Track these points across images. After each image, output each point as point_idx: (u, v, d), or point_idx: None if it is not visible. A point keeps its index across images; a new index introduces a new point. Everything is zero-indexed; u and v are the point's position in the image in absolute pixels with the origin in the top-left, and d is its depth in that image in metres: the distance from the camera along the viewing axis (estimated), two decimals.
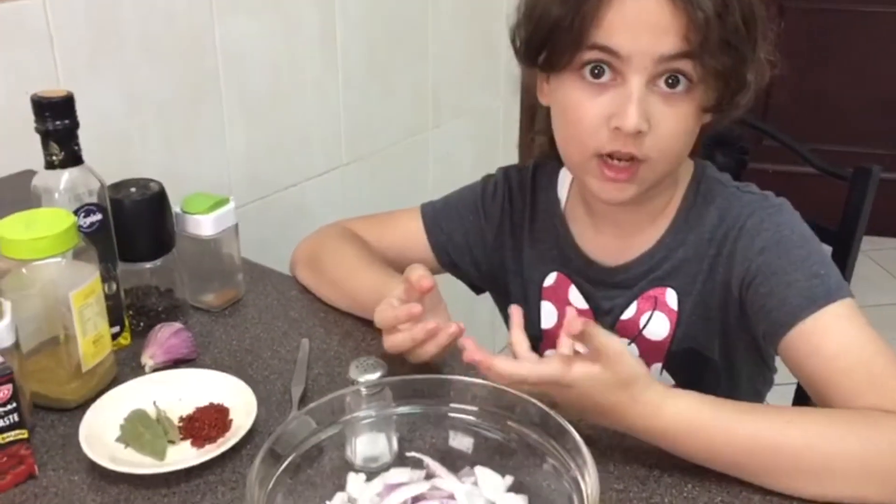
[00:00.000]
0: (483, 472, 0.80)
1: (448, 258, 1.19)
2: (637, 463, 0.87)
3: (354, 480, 0.80)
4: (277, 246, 1.29)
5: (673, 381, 1.08)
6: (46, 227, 0.89)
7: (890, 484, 0.80)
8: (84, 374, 0.94)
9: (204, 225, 1.09)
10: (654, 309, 1.05)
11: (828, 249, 1.00)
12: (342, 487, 0.80)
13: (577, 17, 0.89)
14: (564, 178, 1.13)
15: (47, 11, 1.38)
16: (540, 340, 1.13)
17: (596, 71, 0.91)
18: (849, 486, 0.80)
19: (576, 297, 1.10)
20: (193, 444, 0.90)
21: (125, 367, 1.01)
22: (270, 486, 0.73)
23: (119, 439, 0.90)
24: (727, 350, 1.05)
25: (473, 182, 1.21)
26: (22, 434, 0.84)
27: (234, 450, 0.88)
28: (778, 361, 1.01)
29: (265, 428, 0.92)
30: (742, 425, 0.82)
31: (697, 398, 0.83)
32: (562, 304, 1.11)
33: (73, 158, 0.95)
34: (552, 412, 0.77)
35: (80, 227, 0.95)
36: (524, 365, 0.82)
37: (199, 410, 0.93)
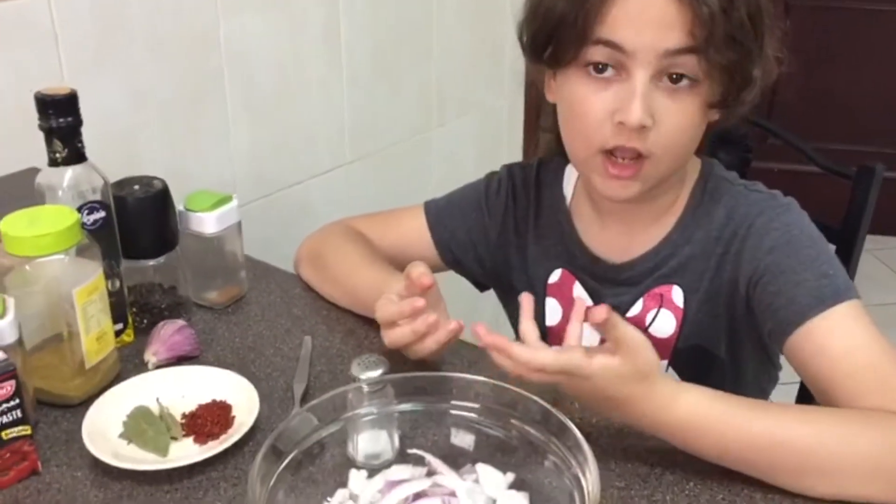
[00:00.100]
0: (484, 470, 0.80)
1: (451, 255, 1.19)
2: (639, 461, 0.87)
3: (356, 477, 0.80)
4: (281, 244, 1.29)
5: (678, 379, 1.07)
6: (50, 224, 0.90)
7: None
8: (87, 370, 0.95)
9: (207, 222, 1.10)
10: (661, 306, 1.05)
11: (831, 248, 1.00)
12: (344, 484, 0.80)
13: (581, 13, 0.89)
14: (570, 175, 1.13)
15: (52, 9, 1.38)
16: (544, 337, 1.13)
17: (600, 66, 0.91)
18: (857, 484, 0.80)
19: (581, 294, 1.10)
20: (196, 440, 0.90)
21: (128, 363, 1.02)
22: (272, 482, 0.74)
23: (122, 436, 0.90)
24: (733, 348, 1.05)
25: (477, 179, 1.21)
26: (25, 430, 0.84)
27: (237, 446, 0.88)
28: (782, 360, 1.01)
29: (267, 425, 0.92)
30: (754, 421, 0.82)
31: (710, 393, 0.83)
32: (567, 300, 1.11)
33: (76, 156, 0.95)
34: (554, 409, 0.77)
35: (83, 224, 0.95)
36: (546, 353, 0.80)
37: (202, 407, 0.93)
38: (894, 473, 0.80)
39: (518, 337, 0.85)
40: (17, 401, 0.83)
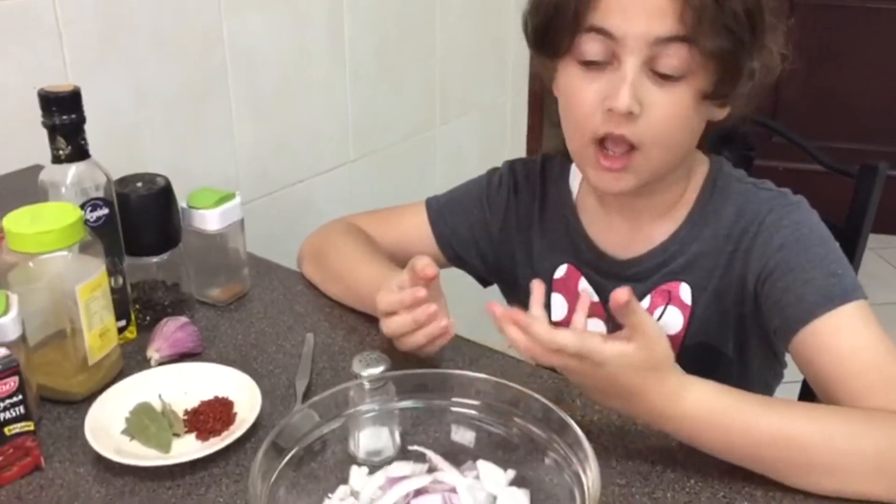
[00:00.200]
0: (485, 466, 0.80)
1: (453, 252, 1.20)
2: (640, 458, 0.87)
3: (357, 474, 0.81)
4: (285, 241, 1.29)
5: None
6: (53, 220, 0.90)
7: None
8: (90, 367, 0.95)
9: (210, 220, 1.10)
10: (668, 303, 1.05)
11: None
12: (345, 480, 0.80)
13: (574, 0, 0.91)
14: (576, 170, 1.13)
15: (56, 7, 1.38)
16: None
17: (593, 57, 0.92)
18: (860, 482, 0.80)
19: (586, 289, 1.10)
20: (198, 437, 0.90)
21: (131, 360, 1.02)
22: (273, 478, 0.74)
23: (124, 432, 0.90)
24: (740, 345, 1.06)
25: (479, 176, 1.22)
26: (28, 426, 0.85)
27: (239, 443, 0.88)
28: (787, 357, 1.01)
29: (269, 421, 0.92)
30: (760, 416, 0.82)
31: (717, 387, 0.83)
32: (572, 296, 1.11)
33: (79, 153, 0.95)
34: (555, 407, 0.77)
35: (86, 221, 0.95)
36: (565, 333, 0.79)
37: (204, 404, 0.93)
38: None
39: None
40: (20, 397, 0.83)
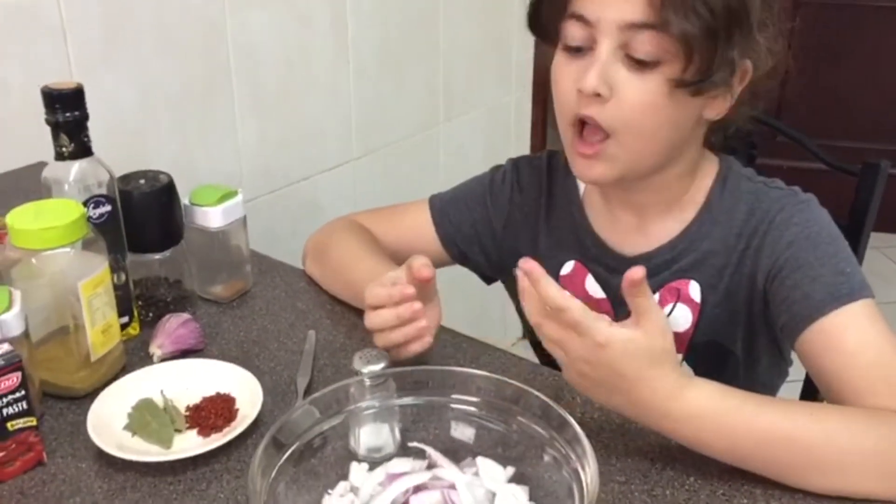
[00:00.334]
0: (484, 463, 0.80)
1: (457, 249, 1.20)
2: (639, 456, 0.87)
3: (357, 470, 0.81)
4: (288, 239, 1.29)
5: (693, 372, 1.07)
6: (56, 217, 0.90)
7: None
8: (93, 363, 0.95)
9: (212, 217, 1.10)
10: (677, 301, 1.05)
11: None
12: (345, 477, 0.81)
13: None
14: None
15: (60, 5, 1.39)
16: None
17: (574, 43, 0.94)
18: (861, 481, 0.80)
19: (593, 286, 1.10)
20: (200, 433, 0.91)
21: (133, 356, 1.02)
22: (273, 474, 0.74)
23: (126, 427, 0.91)
24: (749, 343, 1.06)
25: (482, 173, 1.22)
26: (31, 421, 0.85)
27: (240, 439, 0.89)
28: (792, 355, 1.01)
29: (271, 418, 0.92)
30: (763, 416, 0.81)
31: (720, 386, 0.83)
32: (579, 292, 1.11)
33: (82, 150, 0.96)
34: (554, 404, 0.77)
35: (89, 217, 0.96)
36: (574, 299, 0.78)
37: (206, 400, 0.94)
38: None
39: (529, 327, 0.84)
40: (23, 392, 0.84)
